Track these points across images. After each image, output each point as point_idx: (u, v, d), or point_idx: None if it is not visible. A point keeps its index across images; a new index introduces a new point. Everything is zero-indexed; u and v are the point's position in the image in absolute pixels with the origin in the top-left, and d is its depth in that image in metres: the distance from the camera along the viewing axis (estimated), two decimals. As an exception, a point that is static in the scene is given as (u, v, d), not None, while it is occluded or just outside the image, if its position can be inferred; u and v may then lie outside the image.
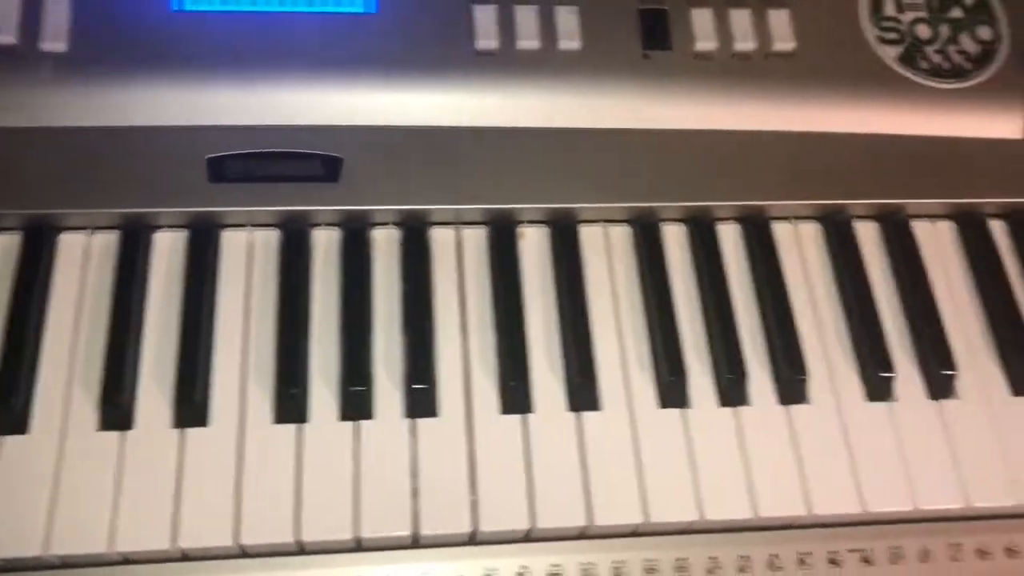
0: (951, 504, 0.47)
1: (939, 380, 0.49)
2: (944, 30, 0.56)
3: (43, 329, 0.46)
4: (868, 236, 0.54)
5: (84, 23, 0.50)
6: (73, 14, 0.50)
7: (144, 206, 0.48)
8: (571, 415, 0.47)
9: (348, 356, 0.47)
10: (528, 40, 0.53)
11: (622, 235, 0.52)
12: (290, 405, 0.45)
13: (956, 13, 0.56)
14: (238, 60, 0.51)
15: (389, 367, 0.47)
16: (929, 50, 0.56)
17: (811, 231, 0.53)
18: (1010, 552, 0.47)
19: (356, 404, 0.46)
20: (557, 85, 0.53)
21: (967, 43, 0.56)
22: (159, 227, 0.49)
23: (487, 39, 0.52)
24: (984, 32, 0.56)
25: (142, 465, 0.44)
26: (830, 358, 0.50)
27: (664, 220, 0.52)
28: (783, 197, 0.53)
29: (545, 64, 0.53)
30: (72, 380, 0.45)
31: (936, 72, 0.55)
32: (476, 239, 0.51)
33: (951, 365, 0.49)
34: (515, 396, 0.47)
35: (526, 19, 0.53)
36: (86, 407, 0.45)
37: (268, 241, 0.50)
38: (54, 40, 0.49)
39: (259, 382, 0.46)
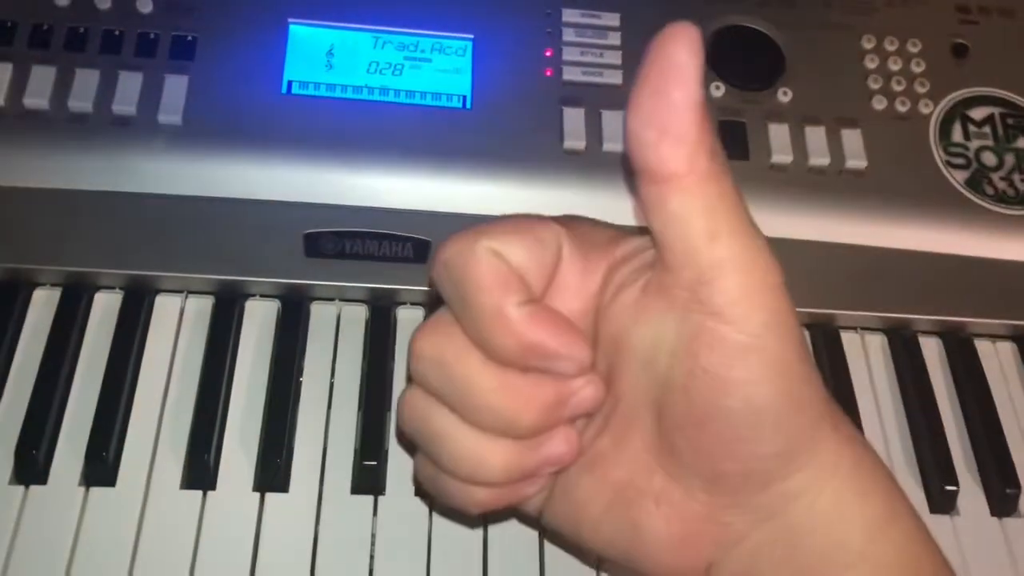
0: (1014, 623, 0.47)
1: (1002, 497, 0.50)
2: (1009, 159, 0.58)
3: (136, 386, 0.48)
4: (932, 351, 0.55)
5: (199, 100, 0.53)
6: (189, 91, 0.53)
7: (241, 274, 0.51)
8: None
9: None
10: (614, 143, 0.55)
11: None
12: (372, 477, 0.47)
13: (1021, 144, 0.59)
14: (340, 143, 0.53)
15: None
16: (995, 176, 0.58)
17: (877, 342, 0.55)
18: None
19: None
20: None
21: (1031, 172, 0.58)
22: (252, 295, 0.51)
23: (575, 140, 0.55)
24: (1046, 163, 0.59)
25: (219, 522, 0.45)
26: (894, 468, 0.51)
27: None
28: (850, 307, 0.54)
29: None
30: (160, 439, 0.47)
31: (1001, 198, 0.57)
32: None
33: (1015, 483, 0.50)
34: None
35: (612, 122, 0.56)
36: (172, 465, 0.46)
37: (356, 316, 0.52)
38: (170, 113, 0.52)
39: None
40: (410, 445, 0.42)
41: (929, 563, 0.35)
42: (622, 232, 0.36)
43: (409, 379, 0.35)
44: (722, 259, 0.31)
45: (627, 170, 0.44)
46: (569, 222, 0.35)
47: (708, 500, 0.34)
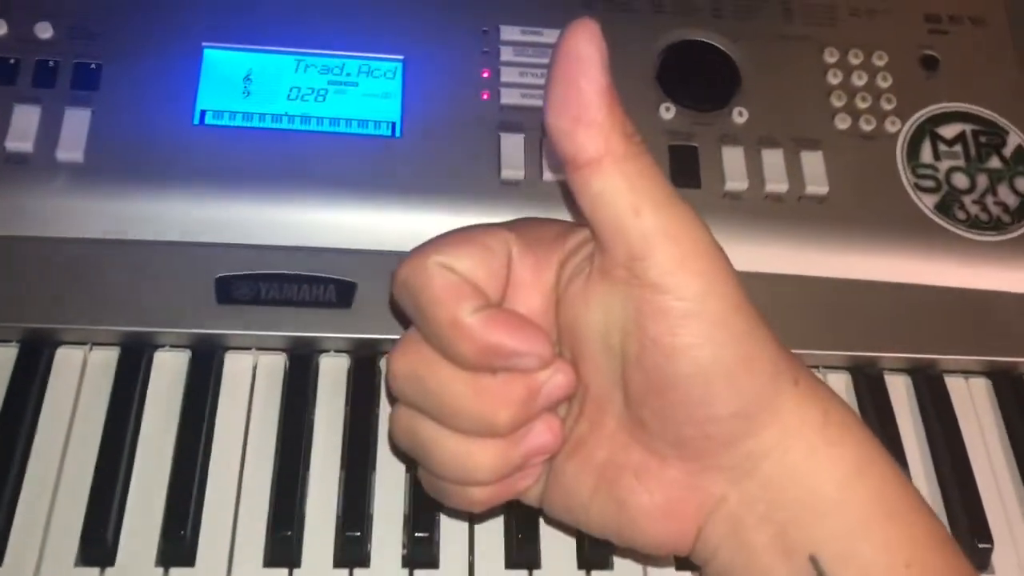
0: None
1: (974, 553, 0.46)
2: (982, 180, 0.55)
3: (31, 445, 0.44)
4: (899, 390, 0.51)
5: (103, 134, 0.49)
6: (92, 124, 0.49)
7: (147, 325, 0.47)
8: (581, 572, 0.44)
9: (348, 495, 0.44)
10: (555, 172, 0.51)
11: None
12: (283, 549, 0.43)
13: (995, 164, 0.55)
14: (256, 177, 0.49)
15: (387, 510, 0.44)
16: (967, 200, 0.54)
17: (841, 381, 0.51)
18: None
19: (352, 552, 0.43)
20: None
21: (1006, 195, 0.54)
22: (161, 346, 0.48)
23: (513, 168, 0.51)
24: (1023, 184, 0.55)
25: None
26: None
27: (687, 363, 0.50)
28: (812, 346, 0.50)
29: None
30: (54, 507, 0.43)
31: (974, 223, 0.53)
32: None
33: (987, 537, 0.46)
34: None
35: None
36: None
37: (274, 366, 0.48)
38: (70, 150, 0.48)
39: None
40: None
41: (905, 505, 0.35)
42: (570, 225, 0.37)
43: (392, 398, 0.37)
44: (649, 232, 0.32)
45: (566, 195, 0.42)
46: (517, 224, 0.37)
47: (682, 466, 0.35)
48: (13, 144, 0.48)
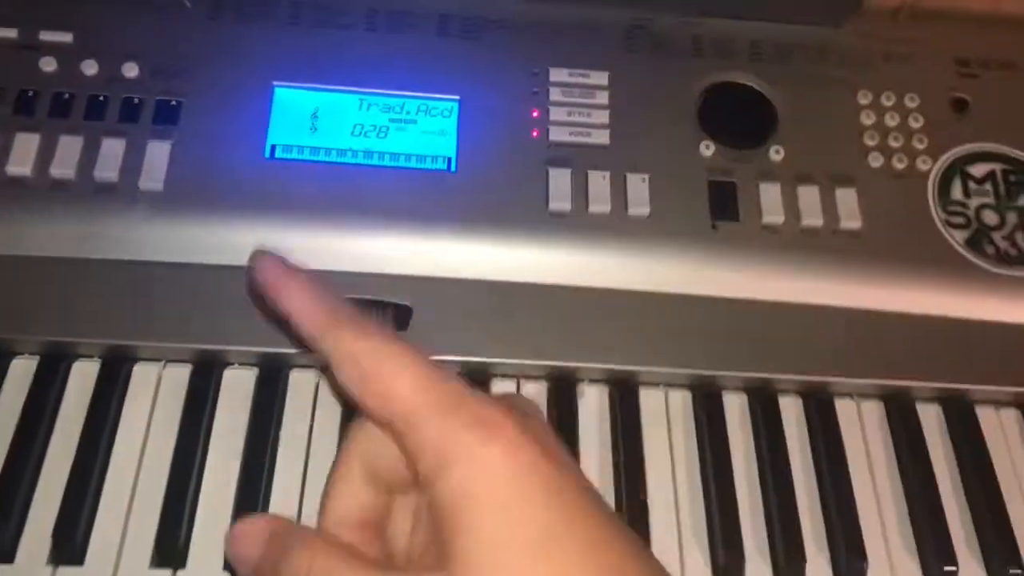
0: None
1: (1004, 576, 0.48)
2: (1011, 217, 0.57)
3: (110, 457, 0.48)
4: (931, 419, 0.53)
5: (181, 165, 0.53)
6: (172, 156, 0.53)
7: (219, 343, 0.50)
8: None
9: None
10: (600, 204, 0.54)
11: (682, 400, 0.52)
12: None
13: (1023, 201, 0.57)
14: (322, 208, 0.53)
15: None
16: (996, 236, 0.56)
17: (874, 410, 0.53)
18: None
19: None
20: (625, 249, 0.54)
21: (1034, 231, 0.56)
22: (230, 364, 0.51)
23: (560, 201, 0.54)
24: (1051, 221, 0.57)
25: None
26: (889, 545, 0.49)
27: (725, 388, 0.53)
28: (845, 374, 0.52)
29: (615, 228, 0.54)
30: (131, 514, 0.46)
31: (1003, 258, 0.55)
32: (536, 394, 0.52)
33: (1019, 563, 0.48)
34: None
35: (599, 184, 0.55)
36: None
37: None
38: (152, 180, 0.52)
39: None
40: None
41: None
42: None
43: None
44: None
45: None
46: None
47: None
48: (101, 174, 0.52)
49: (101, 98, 0.54)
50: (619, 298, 0.53)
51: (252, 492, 0.47)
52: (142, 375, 0.50)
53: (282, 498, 0.47)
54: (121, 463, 0.47)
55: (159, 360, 0.51)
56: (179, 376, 0.50)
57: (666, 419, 0.52)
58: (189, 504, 0.46)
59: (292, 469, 0.48)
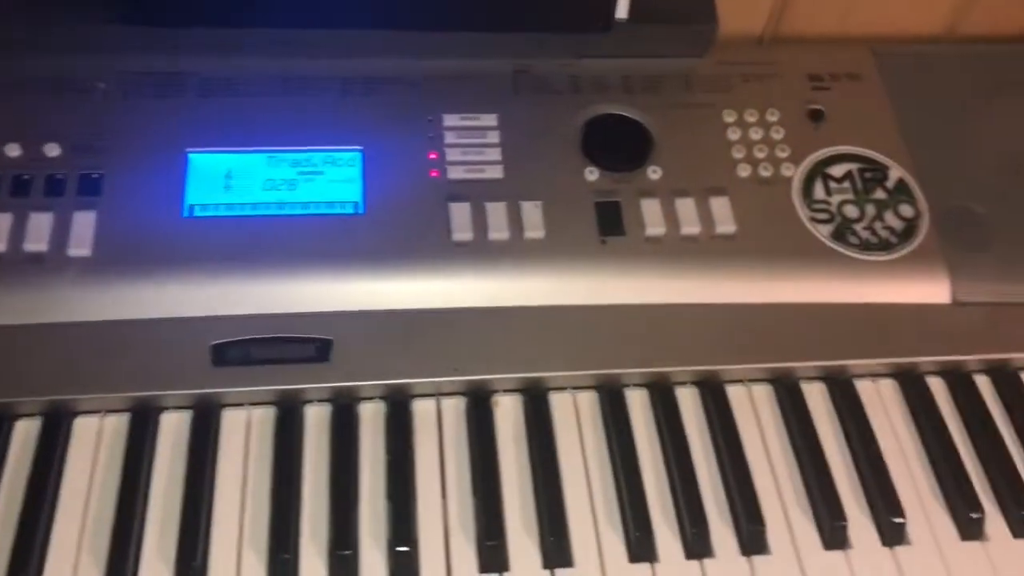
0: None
1: (890, 527, 0.53)
2: (870, 209, 0.63)
3: (56, 505, 0.51)
4: (816, 395, 0.58)
5: (107, 231, 0.57)
6: (98, 224, 0.57)
7: (154, 389, 0.54)
8: (546, 573, 0.50)
9: (336, 523, 0.51)
10: (499, 232, 0.59)
11: (589, 400, 0.57)
12: (282, 570, 0.49)
13: (879, 195, 0.64)
14: (240, 258, 0.57)
15: (375, 533, 0.51)
16: (858, 227, 0.62)
17: (763, 392, 0.58)
18: None
19: (343, 568, 0.49)
20: (526, 269, 0.59)
21: (891, 220, 0.63)
22: (166, 408, 0.54)
23: (462, 232, 0.59)
24: (906, 210, 0.63)
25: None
26: (787, 510, 0.53)
27: (627, 386, 0.57)
28: (734, 362, 0.58)
29: (514, 252, 0.59)
30: (81, 551, 0.49)
31: (866, 246, 0.62)
32: (455, 408, 0.56)
33: (900, 513, 0.53)
34: (492, 556, 0.50)
35: (496, 213, 0.60)
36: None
37: (265, 417, 0.55)
38: (80, 247, 0.56)
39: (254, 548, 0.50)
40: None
41: None
42: None
43: None
44: None
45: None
46: None
47: None
48: (30, 246, 0.56)
49: (26, 177, 0.58)
50: (524, 313, 0.58)
51: (193, 535, 0.50)
52: (83, 427, 0.54)
53: (224, 532, 0.51)
54: (68, 506, 0.50)
55: (98, 412, 0.54)
56: (119, 425, 0.54)
57: (576, 419, 0.56)
58: (134, 545, 0.49)
59: (230, 503, 0.52)
